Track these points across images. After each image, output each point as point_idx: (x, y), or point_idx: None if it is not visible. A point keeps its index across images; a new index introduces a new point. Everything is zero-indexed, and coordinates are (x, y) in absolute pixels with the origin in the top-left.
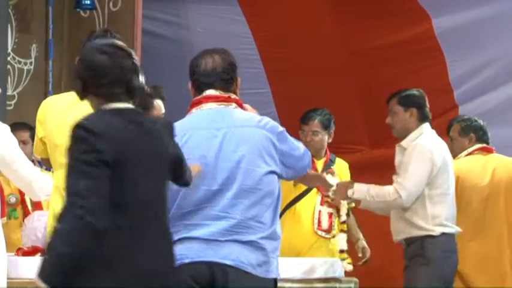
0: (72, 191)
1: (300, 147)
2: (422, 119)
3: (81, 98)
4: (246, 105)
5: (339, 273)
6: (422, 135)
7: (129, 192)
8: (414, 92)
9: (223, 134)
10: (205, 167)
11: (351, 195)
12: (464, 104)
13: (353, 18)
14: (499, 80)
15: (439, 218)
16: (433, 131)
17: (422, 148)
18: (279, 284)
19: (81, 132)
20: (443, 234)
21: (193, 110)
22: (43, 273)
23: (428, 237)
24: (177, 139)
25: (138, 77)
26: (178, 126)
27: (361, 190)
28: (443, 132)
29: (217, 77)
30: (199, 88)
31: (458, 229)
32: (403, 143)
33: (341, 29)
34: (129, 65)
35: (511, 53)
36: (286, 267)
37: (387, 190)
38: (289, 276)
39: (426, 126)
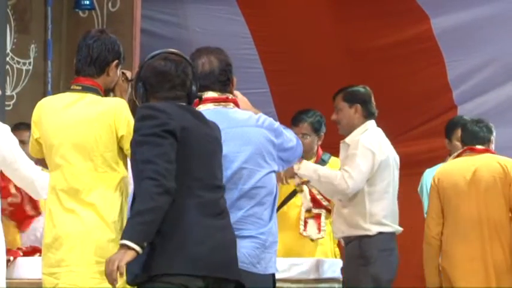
0: (140, 160)
1: (292, 138)
2: (368, 115)
3: (143, 102)
4: (236, 92)
5: (338, 273)
6: (366, 132)
7: (190, 165)
8: (359, 88)
9: (224, 134)
10: None
11: (297, 170)
12: (463, 104)
13: (352, 18)
14: (497, 80)
15: (377, 216)
16: (379, 129)
17: (365, 144)
18: (277, 284)
19: (148, 111)
20: (380, 233)
21: None
22: (127, 234)
23: (365, 237)
24: None
25: (196, 83)
26: None
27: (308, 167)
28: (443, 132)
29: (215, 79)
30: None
31: (398, 228)
32: (347, 139)
33: (340, 29)
34: (191, 72)
35: (509, 53)
36: (286, 267)
37: (335, 174)
38: (287, 276)
39: (371, 123)
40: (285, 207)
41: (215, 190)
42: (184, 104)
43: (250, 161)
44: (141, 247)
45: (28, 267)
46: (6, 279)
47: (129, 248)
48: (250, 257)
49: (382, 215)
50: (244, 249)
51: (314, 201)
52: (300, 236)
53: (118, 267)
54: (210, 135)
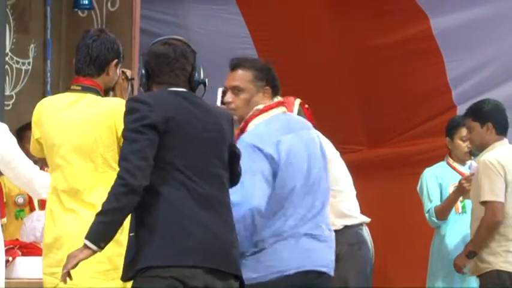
0: (121, 156)
1: None
2: None
3: (145, 90)
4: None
5: None
6: None
7: (178, 155)
8: None
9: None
10: None
11: None
12: (462, 104)
13: (351, 17)
14: (497, 80)
15: (339, 208)
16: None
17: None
18: None
19: (132, 104)
20: (346, 227)
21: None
22: (88, 232)
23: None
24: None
25: (199, 70)
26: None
27: None
28: (442, 132)
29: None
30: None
31: (365, 219)
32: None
33: (339, 29)
34: (192, 58)
35: (509, 52)
36: None
37: None
38: None
39: None
40: None
41: (209, 179)
42: (184, 90)
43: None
44: (99, 247)
45: (27, 267)
46: (5, 279)
47: (86, 246)
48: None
49: (345, 207)
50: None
51: None
52: None
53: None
54: (211, 122)
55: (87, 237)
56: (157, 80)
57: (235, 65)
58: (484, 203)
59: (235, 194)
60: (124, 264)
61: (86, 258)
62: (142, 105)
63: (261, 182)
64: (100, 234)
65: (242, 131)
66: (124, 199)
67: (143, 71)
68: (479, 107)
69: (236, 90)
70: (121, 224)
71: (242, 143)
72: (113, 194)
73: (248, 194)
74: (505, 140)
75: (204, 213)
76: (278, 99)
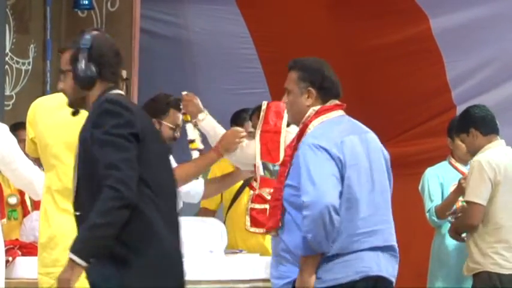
0: (104, 163)
1: None
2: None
3: (85, 86)
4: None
5: None
6: None
7: (150, 171)
8: None
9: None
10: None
11: (201, 118)
12: (462, 104)
13: (351, 18)
14: (497, 80)
15: None
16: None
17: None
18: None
19: (115, 107)
20: None
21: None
22: (77, 248)
23: None
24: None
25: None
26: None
27: (213, 124)
28: (441, 132)
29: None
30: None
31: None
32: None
33: (339, 29)
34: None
35: (509, 53)
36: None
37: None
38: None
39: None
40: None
41: (173, 199)
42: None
43: None
44: (88, 262)
45: (27, 267)
46: (5, 279)
47: (75, 263)
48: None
49: None
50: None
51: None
52: (248, 231)
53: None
54: (160, 133)
55: (77, 253)
56: (106, 77)
57: (288, 66)
58: (467, 202)
59: (307, 194)
60: (96, 276)
61: (79, 276)
62: (124, 111)
63: (332, 180)
64: (91, 250)
65: (302, 132)
66: (118, 213)
67: (92, 63)
68: (456, 121)
69: (286, 91)
70: (112, 238)
71: (305, 145)
72: (107, 206)
73: (321, 192)
74: (498, 140)
75: (172, 235)
76: (335, 102)
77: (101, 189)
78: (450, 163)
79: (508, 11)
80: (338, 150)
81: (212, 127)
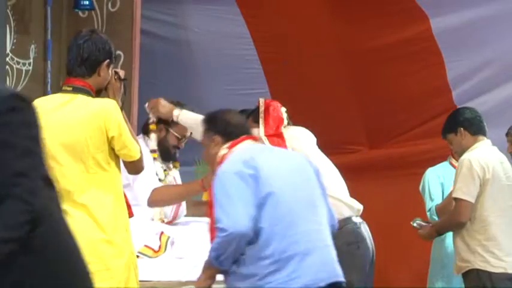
0: (14, 169)
1: None
2: None
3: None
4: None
5: None
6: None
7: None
8: None
9: None
10: None
11: (176, 114)
12: (462, 104)
13: (351, 18)
14: (497, 80)
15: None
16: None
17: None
18: None
19: (16, 101)
20: (344, 226)
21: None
22: None
23: None
24: None
25: None
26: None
27: (189, 115)
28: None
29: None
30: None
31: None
32: None
33: (339, 29)
34: None
35: (509, 53)
36: None
37: None
38: None
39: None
40: None
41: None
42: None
43: None
44: None
45: None
46: None
47: None
48: None
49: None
50: None
51: None
52: None
53: None
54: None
55: None
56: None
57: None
58: (454, 199)
59: (220, 222)
60: None
61: None
62: (27, 106)
63: (243, 206)
64: None
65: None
66: (26, 228)
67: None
68: (446, 122)
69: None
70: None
71: (218, 177)
72: (16, 220)
73: (231, 221)
74: (486, 140)
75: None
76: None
77: (8, 202)
78: (451, 163)
79: (508, 11)
80: (248, 167)
81: (193, 119)
